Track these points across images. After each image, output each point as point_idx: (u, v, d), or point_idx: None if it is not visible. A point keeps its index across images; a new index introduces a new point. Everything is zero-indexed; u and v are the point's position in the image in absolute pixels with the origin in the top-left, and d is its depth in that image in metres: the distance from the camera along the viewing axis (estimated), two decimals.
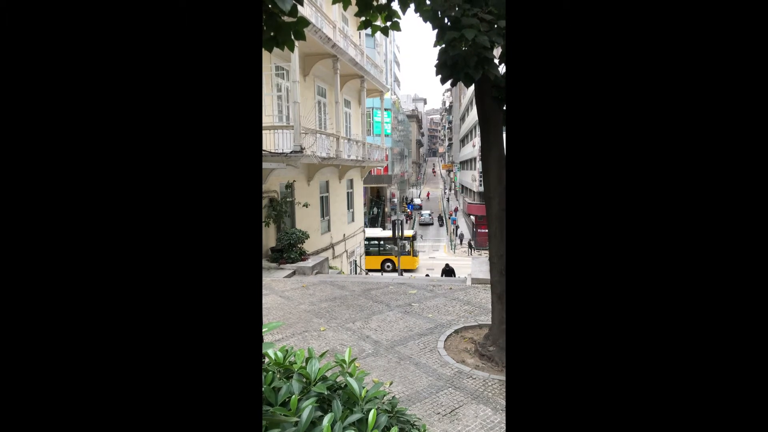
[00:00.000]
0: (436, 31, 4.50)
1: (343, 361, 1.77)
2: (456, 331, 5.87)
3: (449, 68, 4.24)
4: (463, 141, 45.20)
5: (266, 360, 1.73)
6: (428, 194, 56.54)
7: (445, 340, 5.58)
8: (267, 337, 5.32)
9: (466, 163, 41.29)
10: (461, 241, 30.79)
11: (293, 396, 1.45)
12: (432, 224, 39.49)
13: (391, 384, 4.43)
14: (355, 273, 16.61)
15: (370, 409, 1.47)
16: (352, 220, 17.12)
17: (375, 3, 4.92)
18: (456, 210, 39.02)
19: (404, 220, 34.79)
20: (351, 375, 1.69)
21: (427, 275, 15.04)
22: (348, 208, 16.48)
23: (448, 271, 14.53)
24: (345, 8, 4.99)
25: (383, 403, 2.08)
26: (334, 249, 14.42)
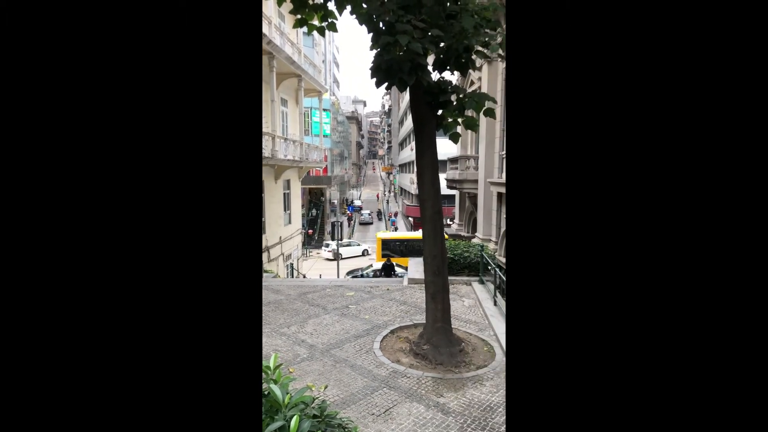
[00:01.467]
0: (372, 34, 4.54)
1: (267, 367, 1.72)
2: (392, 332, 5.96)
3: (384, 72, 4.30)
4: (402, 144, 46.15)
5: None
6: (378, 195, 56.73)
7: (381, 341, 5.63)
8: None
9: (404, 166, 42.20)
10: None
11: None
12: (372, 223, 39.86)
13: (326, 388, 4.38)
14: (292, 276, 16.21)
15: (293, 416, 1.44)
16: (289, 222, 16.70)
17: (311, 2, 4.86)
18: (396, 214, 39.74)
19: (345, 222, 34.68)
20: (275, 382, 1.64)
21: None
22: (284, 210, 16.05)
23: (388, 266, 14.53)
24: (279, 4, 4.87)
25: (312, 408, 2.04)
26: (269, 252, 13.96)
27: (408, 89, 4.79)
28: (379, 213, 42.46)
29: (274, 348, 5.35)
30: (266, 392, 1.61)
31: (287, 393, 1.58)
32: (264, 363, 1.75)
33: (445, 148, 13.36)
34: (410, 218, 32.10)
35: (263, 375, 1.72)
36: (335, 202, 35.81)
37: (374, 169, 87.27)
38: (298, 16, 4.94)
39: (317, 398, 2.26)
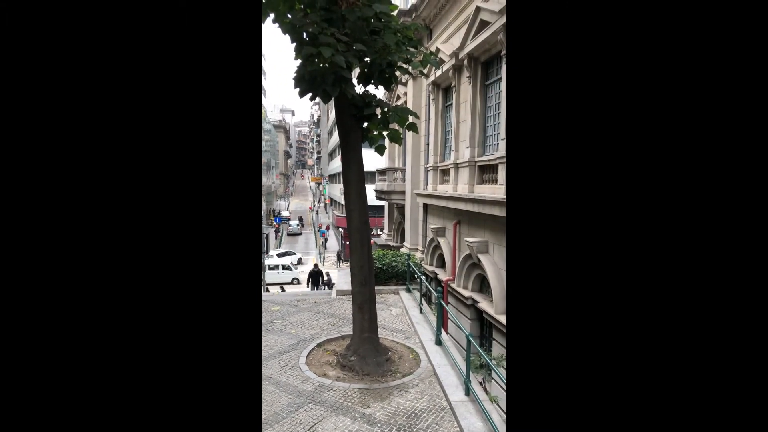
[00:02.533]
0: (295, 44, 4.51)
1: None
2: (318, 345, 5.84)
3: (307, 83, 4.29)
4: (332, 155, 46.00)
5: None
6: (310, 207, 55.37)
7: (308, 355, 5.50)
8: None
9: (334, 177, 42.02)
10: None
11: None
12: (300, 234, 38.97)
13: None
14: None
15: None
16: None
17: None
18: (328, 228, 39.29)
19: (272, 233, 33.44)
20: None
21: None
22: None
23: (315, 273, 14.22)
24: None
25: None
26: None
27: (333, 101, 4.81)
28: (300, 220, 41.84)
29: None
30: None
31: None
32: None
33: (373, 159, 13.57)
34: (340, 229, 31.95)
35: None
36: (261, 213, 34.53)
37: (303, 176, 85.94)
38: None
39: None
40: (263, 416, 4.07)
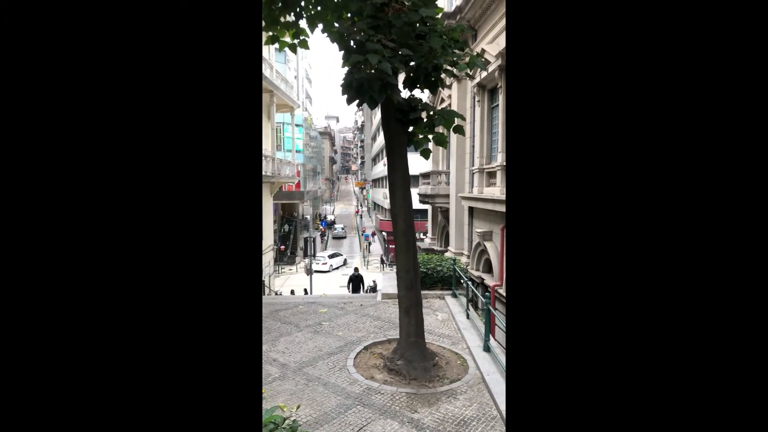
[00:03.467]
0: (343, 52, 4.62)
1: None
2: (365, 348, 5.90)
3: (355, 90, 4.37)
4: (375, 159, 46.47)
5: None
6: (357, 211, 56.49)
7: (355, 358, 5.57)
8: None
9: (377, 181, 42.40)
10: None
11: None
12: (345, 237, 39.66)
13: (298, 407, 4.27)
14: (265, 294, 15.81)
15: None
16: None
17: (282, 19, 4.90)
18: (373, 234, 39.61)
19: (318, 238, 34.31)
20: None
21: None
22: None
23: (356, 278, 14.23)
24: None
25: (283, 428, 1.99)
26: None
27: (379, 106, 4.87)
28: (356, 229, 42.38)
29: None
30: None
31: None
32: None
33: (417, 163, 13.55)
34: (383, 233, 32.15)
35: None
36: (308, 217, 35.53)
37: (347, 180, 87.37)
38: (270, 33, 4.97)
39: (288, 418, 2.20)
40: (313, 415, 4.17)
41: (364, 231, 40.33)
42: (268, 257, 17.36)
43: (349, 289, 14.58)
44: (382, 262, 28.47)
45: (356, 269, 15.10)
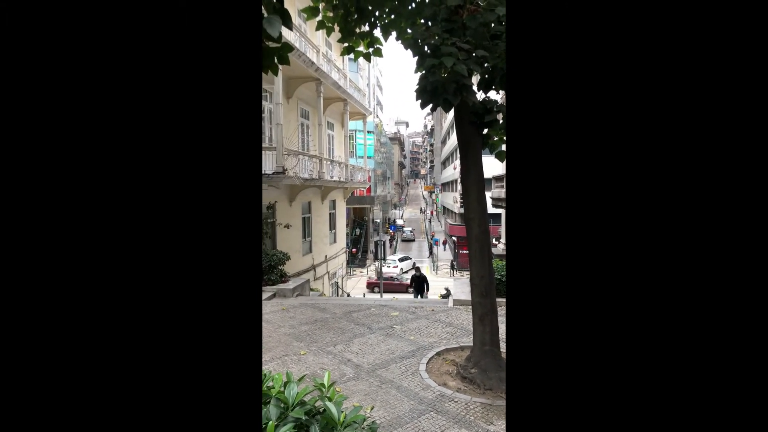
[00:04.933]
0: (417, 57, 4.65)
1: (322, 384, 1.75)
2: (438, 354, 5.83)
3: (429, 94, 4.37)
4: (445, 163, 45.99)
5: None
6: (432, 212, 56.76)
7: (427, 363, 5.53)
8: None
9: (447, 185, 41.91)
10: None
11: (270, 422, 1.42)
12: (413, 240, 39.76)
13: (372, 409, 4.34)
14: (337, 295, 16.40)
15: None
16: (334, 241, 17.02)
17: (358, 30, 5.08)
18: (445, 242, 39.23)
19: (387, 242, 34.83)
20: (330, 399, 1.67)
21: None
22: (330, 229, 16.40)
23: (419, 278, 13.30)
24: (328, 35, 5.12)
25: (363, 428, 2.04)
26: (315, 270, 14.25)
27: (452, 109, 4.82)
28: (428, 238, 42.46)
29: (321, 366, 5.40)
30: (322, 409, 1.64)
31: (341, 411, 1.60)
32: (318, 381, 1.78)
33: (490, 165, 13.13)
34: (454, 237, 31.65)
35: (318, 392, 1.75)
36: (378, 221, 36.24)
37: (416, 184, 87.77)
38: (346, 44, 5.17)
39: (367, 419, 2.25)
40: (387, 418, 4.21)
41: (432, 235, 40.07)
42: (341, 260, 17.99)
43: (412, 291, 13.91)
44: (452, 267, 28.05)
45: (418, 269, 14.14)
